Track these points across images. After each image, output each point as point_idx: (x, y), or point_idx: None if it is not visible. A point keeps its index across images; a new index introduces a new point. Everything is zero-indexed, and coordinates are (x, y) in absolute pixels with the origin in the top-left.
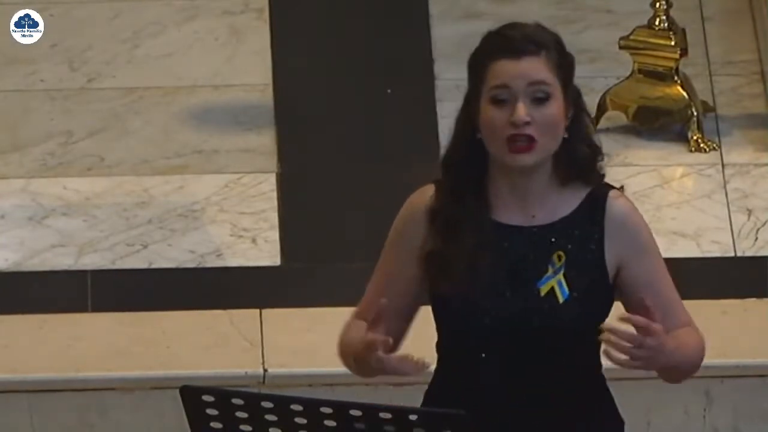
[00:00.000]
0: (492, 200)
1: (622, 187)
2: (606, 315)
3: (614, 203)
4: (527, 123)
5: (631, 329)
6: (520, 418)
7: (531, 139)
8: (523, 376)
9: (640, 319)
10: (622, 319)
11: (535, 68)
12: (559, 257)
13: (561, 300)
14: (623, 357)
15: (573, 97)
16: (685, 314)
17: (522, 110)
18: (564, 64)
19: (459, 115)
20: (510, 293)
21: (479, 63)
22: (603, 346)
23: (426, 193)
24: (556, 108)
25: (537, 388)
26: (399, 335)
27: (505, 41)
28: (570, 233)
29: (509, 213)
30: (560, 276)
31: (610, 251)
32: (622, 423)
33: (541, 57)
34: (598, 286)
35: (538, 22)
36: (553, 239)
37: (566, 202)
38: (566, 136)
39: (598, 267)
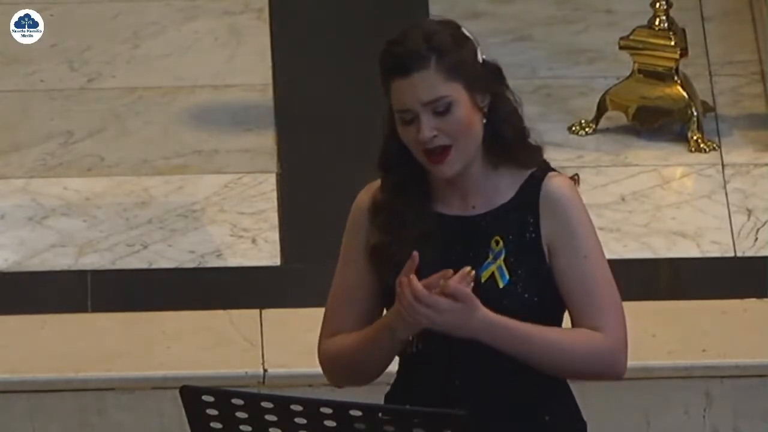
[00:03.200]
0: (433, 192)
1: (576, 176)
2: (554, 301)
3: (549, 182)
4: (434, 137)
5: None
6: (473, 413)
7: (445, 148)
8: (474, 368)
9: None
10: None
11: (426, 85)
12: (497, 242)
13: (501, 285)
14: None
15: (486, 83)
16: (600, 321)
17: (425, 130)
18: (461, 61)
19: (385, 119)
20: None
21: (382, 81)
22: None
23: (371, 189)
24: (461, 111)
25: (488, 381)
26: None
27: (392, 61)
28: (508, 219)
29: (449, 204)
30: (500, 262)
31: (544, 232)
32: (583, 424)
33: (431, 68)
34: (539, 270)
35: (431, 19)
36: (491, 226)
37: (505, 189)
38: (485, 121)
39: (537, 250)
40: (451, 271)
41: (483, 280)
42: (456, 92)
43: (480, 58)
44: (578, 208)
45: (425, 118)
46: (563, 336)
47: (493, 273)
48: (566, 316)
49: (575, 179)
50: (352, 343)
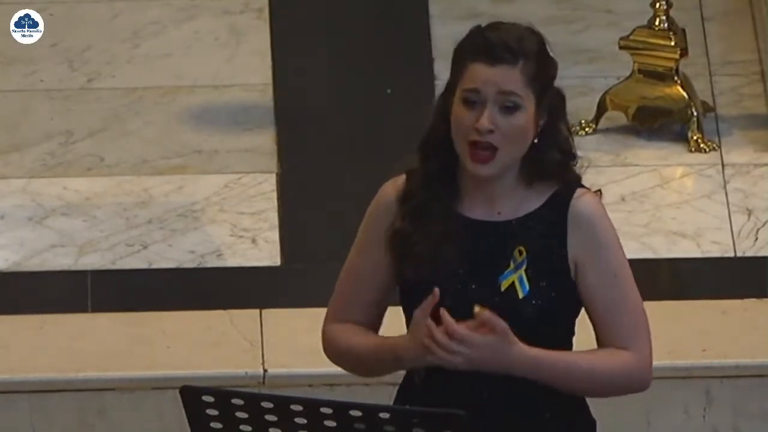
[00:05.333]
0: (460, 193)
1: (599, 191)
2: (571, 313)
3: (579, 200)
4: (491, 131)
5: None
6: (484, 414)
7: (493, 149)
8: (486, 371)
9: (453, 328)
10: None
11: (508, 78)
12: (520, 252)
13: (521, 295)
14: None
15: (550, 104)
16: (630, 339)
17: (487, 118)
18: (541, 75)
19: (438, 102)
20: (471, 287)
21: (459, 59)
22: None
23: (397, 182)
24: (523, 119)
25: (499, 385)
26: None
27: (485, 44)
28: (533, 229)
29: (475, 207)
30: (521, 272)
31: (571, 248)
32: (593, 423)
33: (517, 67)
34: (560, 284)
35: (529, 24)
36: (515, 235)
37: (532, 199)
38: (536, 141)
39: (561, 264)
40: (479, 306)
41: (503, 289)
42: (527, 99)
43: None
44: (608, 227)
45: (491, 108)
46: (596, 361)
47: (513, 282)
48: (578, 326)
49: (599, 194)
50: (357, 350)
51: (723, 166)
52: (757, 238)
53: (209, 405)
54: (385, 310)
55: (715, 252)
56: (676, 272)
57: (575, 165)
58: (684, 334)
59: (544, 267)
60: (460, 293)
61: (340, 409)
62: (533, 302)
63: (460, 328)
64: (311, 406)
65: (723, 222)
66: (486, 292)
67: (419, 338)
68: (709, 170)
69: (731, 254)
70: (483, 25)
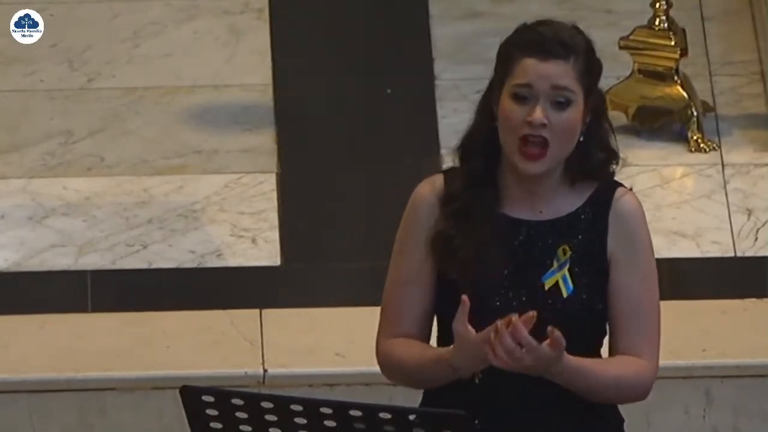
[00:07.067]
0: (501, 192)
1: (630, 189)
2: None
3: (622, 200)
4: (543, 125)
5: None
6: (520, 414)
7: (544, 143)
8: (526, 391)
9: (527, 339)
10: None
11: (561, 73)
12: (564, 252)
13: (565, 294)
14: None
15: (595, 102)
16: (644, 346)
17: (540, 112)
18: (590, 71)
19: (481, 100)
20: (515, 287)
21: (508, 55)
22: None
23: (434, 183)
24: (574, 114)
25: (537, 383)
26: (427, 341)
27: (538, 39)
28: (575, 228)
29: (517, 207)
30: (565, 271)
31: (610, 246)
32: (621, 420)
33: (569, 62)
34: (601, 282)
35: (574, 23)
36: (558, 234)
37: (573, 198)
38: (581, 139)
39: (602, 262)
40: (533, 312)
41: (547, 288)
42: (578, 94)
43: None
44: (646, 230)
45: (543, 103)
46: (621, 370)
47: (557, 281)
48: None
49: (630, 191)
50: (411, 363)
51: (723, 166)
52: (757, 238)
53: (209, 405)
54: (433, 318)
55: (715, 252)
56: (676, 272)
57: (617, 164)
58: (684, 334)
59: (587, 265)
60: (505, 293)
61: (340, 409)
62: (578, 300)
63: (533, 341)
64: (311, 406)
65: (723, 222)
66: (529, 293)
67: (468, 350)
68: (709, 170)
69: (731, 254)
70: (528, 22)
